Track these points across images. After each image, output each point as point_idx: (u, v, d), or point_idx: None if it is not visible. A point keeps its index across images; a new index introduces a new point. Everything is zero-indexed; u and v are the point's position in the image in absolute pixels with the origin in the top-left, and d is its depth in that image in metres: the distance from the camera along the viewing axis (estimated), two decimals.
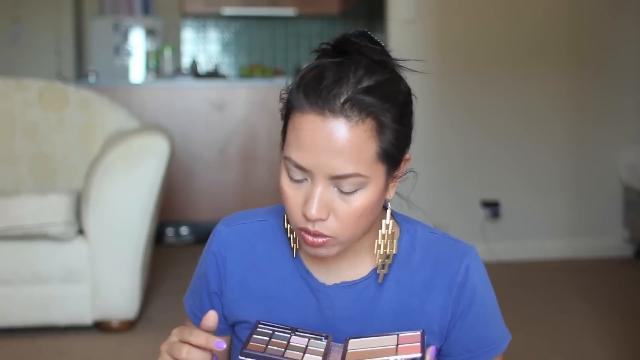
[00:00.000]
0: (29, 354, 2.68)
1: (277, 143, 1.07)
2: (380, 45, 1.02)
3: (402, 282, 1.08)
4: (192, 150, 4.65)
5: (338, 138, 0.94)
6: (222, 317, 1.15)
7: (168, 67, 5.46)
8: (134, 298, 2.84)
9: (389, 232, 1.06)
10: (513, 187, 4.07)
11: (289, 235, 1.10)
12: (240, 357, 0.96)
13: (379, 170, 0.98)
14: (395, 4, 3.93)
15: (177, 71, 5.60)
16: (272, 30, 6.33)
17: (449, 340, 1.09)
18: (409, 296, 1.08)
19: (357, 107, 0.94)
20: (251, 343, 1.00)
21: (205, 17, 6.28)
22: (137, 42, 6.10)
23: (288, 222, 1.09)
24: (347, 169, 0.95)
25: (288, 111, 1.00)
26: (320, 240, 0.99)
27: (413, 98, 1.03)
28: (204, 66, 6.17)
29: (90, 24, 6.07)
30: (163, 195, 3.08)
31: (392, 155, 0.99)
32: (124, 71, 6.07)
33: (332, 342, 1.04)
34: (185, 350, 0.95)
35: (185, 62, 6.22)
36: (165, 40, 6.06)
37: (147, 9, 6.15)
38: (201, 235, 4.50)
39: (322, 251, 1.01)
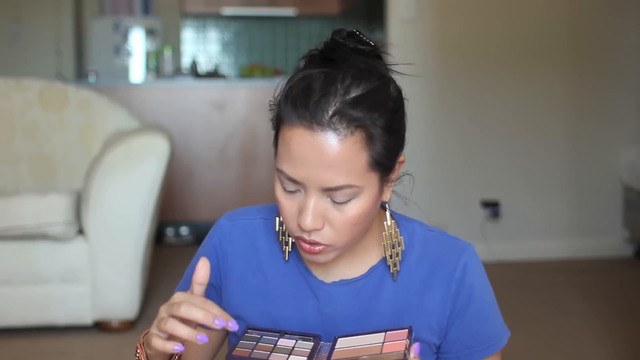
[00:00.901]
0: (29, 354, 2.68)
1: None
2: (371, 45, 1.01)
3: (400, 280, 1.09)
4: (192, 150, 4.65)
5: (327, 151, 0.93)
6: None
7: (168, 67, 5.46)
8: (134, 298, 2.84)
9: (392, 232, 1.07)
10: (513, 187, 4.07)
11: (280, 238, 1.10)
12: None
13: (372, 179, 0.98)
14: (395, 4, 3.93)
15: (177, 71, 5.60)
16: (272, 30, 6.33)
17: (448, 337, 1.10)
18: (407, 294, 1.09)
19: (345, 119, 0.93)
20: (237, 348, 1.00)
21: (205, 17, 6.28)
22: (137, 42, 6.09)
23: (280, 225, 1.10)
24: (339, 181, 0.95)
25: (278, 123, 0.99)
26: (317, 248, 1.00)
27: (405, 100, 1.02)
28: (204, 66, 6.17)
29: (90, 24, 6.07)
30: (163, 195, 3.08)
31: (384, 163, 0.98)
32: (124, 71, 6.07)
33: (322, 342, 1.04)
34: (183, 309, 0.92)
35: (185, 62, 6.22)
36: (165, 40, 6.06)
37: (147, 9, 6.15)
38: (201, 235, 4.50)
39: (319, 257, 1.02)
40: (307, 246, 1.00)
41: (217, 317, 0.91)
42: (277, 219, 1.10)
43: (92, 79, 5.01)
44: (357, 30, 1.01)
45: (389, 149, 0.98)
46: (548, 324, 2.98)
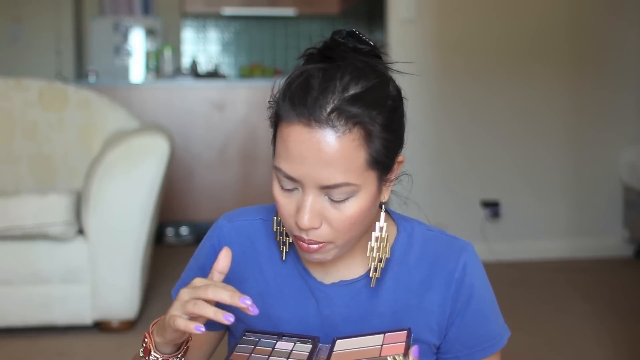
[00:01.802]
0: (29, 354, 2.68)
1: None
2: (370, 44, 1.01)
3: (400, 280, 1.08)
4: (192, 150, 4.65)
5: (325, 148, 0.93)
6: None
7: (168, 67, 5.45)
8: (134, 298, 2.84)
9: (383, 235, 1.05)
10: (513, 187, 4.07)
11: (277, 238, 1.10)
12: None
13: (370, 177, 0.97)
14: (395, 4, 3.93)
15: (177, 71, 5.59)
16: (272, 30, 6.33)
17: (448, 337, 1.09)
18: (407, 294, 1.08)
19: (343, 117, 0.93)
20: (235, 352, 1.00)
21: (205, 17, 6.28)
22: (137, 42, 6.09)
23: (277, 225, 1.09)
24: (337, 178, 0.94)
25: (276, 121, 0.99)
26: (315, 246, 0.99)
27: (405, 99, 1.02)
28: (204, 66, 6.17)
29: (90, 24, 6.07)
30: (163, 195, 3.08)
31: (383, 161, 0.98)
32: (124, 71, 6.07)
33: (320, 344, 1.04)
34: (211, 291, 0.92)
35: (185, 62, 6.22)
36: (165, 40, 6.05)
37: (147, 9, 6.15)
38: (201, 235, 4.48)
39: (318, 256, 1.01)
40: (305, 245, 0.99)
41: (242, 296, 0.91)
42: (275, 218, 1.10)
43: (92, 79, 5.01)
44: (356, 30, 1.01)
45: (388, 147, 0.97)
46: (548, 324, 2.97)
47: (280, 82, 1.00)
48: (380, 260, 1.05)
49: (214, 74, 5.62)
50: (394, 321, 1.07)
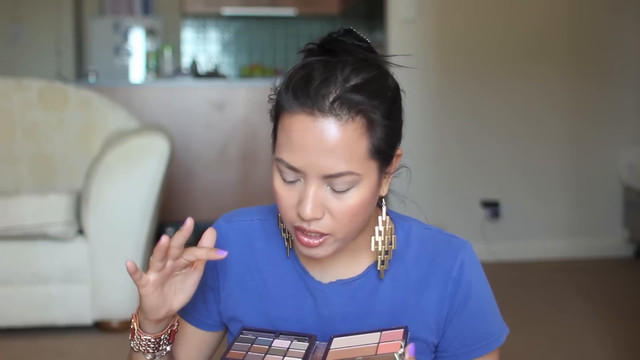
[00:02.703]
0: (29, 354, 2.68)
1: None
2: (367, 42, 1.02)
3: (397, 279, 1.09)
4: (192, 150, 4.65)
5: (328, 137, 0.94)
6: (216, 313, 1.15)
7: (168, 67, 5.45)
8: (134, 298, 2.84)
9: (387, 228, 1.06)
10: (513, 187, 4.07)
11: (282, 234, 1.10)
12: None
13: (371, 167, 0.98)
14: (395, 4, 3.93)
15: (177, 71, 5.59)
16: (272, 30, 6.33)
17: (446, 335, 1.10)
18: (405, 293, 1.08)
19: (346, 105, 0.94)
20: (232, 351, 1.00)
21: (205, 17, 6.28)
22: (137, 42, 6.09)
23: (282, 222, 1.09)
24: (339, 167, 0.95)
25: (277, 112, 1.00)
26: (317, 241, 0.99)
27: (402, 94, 1.04)
28: (204, 66, 6.17)
29: (90, 24, 6.07)
30: (163, 195, 3.08)
31: (384, 151, 0.99)
32: (124, 71, 6.07)
33: (317, 342, 1.04)
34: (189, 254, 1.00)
35: (185, 62, 6.22)
36: (165, 40, 6.05)
37: (147, 9, 6.15)
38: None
39: (318, 251, 1.01)
40: (305, 239, 0.99)
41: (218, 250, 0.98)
42: (280, 216, 1.09)
43: (92, 79, 5.01)
44: (353, 28, 1.03)
45: (389, 137, 0.98)
46: (548, 324, 2.98)
47: (280, 79, 1.01)
48: (386, 252, 1.06)
49: (214, 74, 5.62)
50: (392, 320, 1.07)
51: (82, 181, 3.16)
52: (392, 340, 0.98)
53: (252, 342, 1.02)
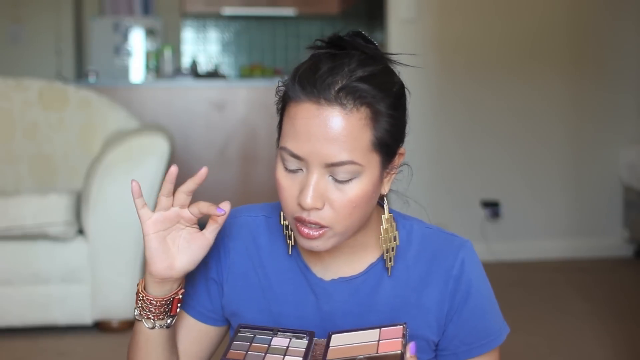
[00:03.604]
0: (29, 354, 2.68)
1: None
2: (374, 44, 1.04)
3: (398, 277, 1.09)
4: (192, 150, 4.65)
5: (333, 126, 0.95)
6: (219, 307, 1.15)
7: (168, 67, 5.45)
8: (134, 298, 2.84)
9: (391, 225, 1.07)
10: (513, 187, 4.07)
11: (284, 232, 1.11)
12: None
13: (374, 160, 0.99)
14: (395, 4, 3.93)
15: (177, 71, 5.60)
16: (272, 30, 6.33)
17: (446, 334, 1.10)
18: (405, 290, 1.09)
19: (351, 95, 0.95)
20: (231, 350, 1.00)
21: (205, 17, 6.28)
22: (137, 42, 6.09)
23: (285, 219, 1.10)
24: (342, 156, 0.96)
25: (284, 104, 1.01)
26: (316, 233, 1.00)
27: (407, 94, 1.05)
28: (204, 66, 6.17)
29: (90, 24, 6.07)
30: None
31: (387, 145, 1.00)
32: (124, 71, 6.07)
33: (316, 339, 1.04)
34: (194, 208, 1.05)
35: (185, 62, 6.22)
36: (165, 40, 6.05)
37: (147, 9, 6.15)
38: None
39: (318, 244, 1.01)
40: (305, 231, 1.00)
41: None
42: (282, 213, 1.10)
43: (92, 79, 5.01)
44: (361, 31, 1.04)
45: (392, 131, 1.00)
46: (548, 324, 2.98)
47: (284, 80, 1.03)
48: (392, 249, 1.07)
49: (214, 74, 5.62)
50: (393, 318, 1.08)
51: (82, 181, 3.16)
52: (392, 338, 0.98)
53: (251, 340, 1.02)
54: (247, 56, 6.35)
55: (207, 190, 4.75)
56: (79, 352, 2.72)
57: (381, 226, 1.07)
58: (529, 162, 4.07)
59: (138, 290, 1.08)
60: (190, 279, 1.15)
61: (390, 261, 1.08)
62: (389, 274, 1.08)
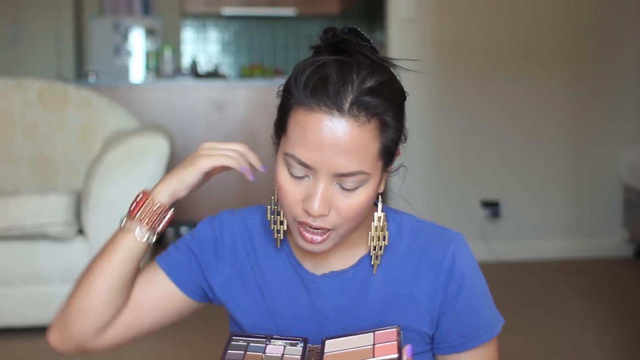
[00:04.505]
0: (29, 354, 2.68)
1: None
2: (369, 42, 1.04)
3: (389, 270, 1.10)
4: (192, 150, 4.63)
5: (345, 137, 0.96)
6: (197, 280, 1.15)
7: (168, 67, 5.45)
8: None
9: (382, 224, 1.08)
10: (513, 187, 4.07)
11: (272, 226, 1.11)
12: None
13: (378, 167, 1.01)
14: (395, 4, 3.93)
15: (177, 71, 5.59)
16: (272, 30, 6.33)
17: (441, 327, 1.11)
18: (397, 283, 1.10)
19: (363, 108, 0.96)
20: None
21: (205, 17, 6.28)
22: (137, 42, 6.09)
23: (272, 214, 1.10)
24: (352, 167, 0.97)
25: (289, 106, 1.00)
26: (319, 238, 1.01)
27: (406, 93, 1.06)
28: (204, 66, 6.17)
29: (90, 24, 6.07)
30: None
31: (391, 152, 1.02)
32: (124, 71, 6.07)
33: (310, 345, 1.04)
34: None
35: (185, 62, 6.22)
36: (165, 40, 6.05)
37: (147, 9, 6.15)
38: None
39: (320, 247, 1.03)
40: (308, 236, 1.01)
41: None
42: (269, 207, 1.11)
43: (92, 79, 5.01)
44: (357, 27, 1.04)
45: (396, 139, 1.02)
46: (548, 324, 2.98)
47: (288, 81, 1.03)
48: (380, 248, 1.08)
49: (214, 74, 5.62)
50: (384, 310, 1.09)
51: (82, 181, 3.16)
52: (387, 342, 0.97)
53: (245, 349, 1.01)
54: (247, 56, 6.35)
55: (206, 189, 4.75)
56: None
57: (372, 222, 1.08)
58: (529, 162, 4.07)
59: (143, 197, 1.11)
60: (178, 250, 1.17)
61: (376, 259, 1.09)
62: (374, 272, 1.09)
